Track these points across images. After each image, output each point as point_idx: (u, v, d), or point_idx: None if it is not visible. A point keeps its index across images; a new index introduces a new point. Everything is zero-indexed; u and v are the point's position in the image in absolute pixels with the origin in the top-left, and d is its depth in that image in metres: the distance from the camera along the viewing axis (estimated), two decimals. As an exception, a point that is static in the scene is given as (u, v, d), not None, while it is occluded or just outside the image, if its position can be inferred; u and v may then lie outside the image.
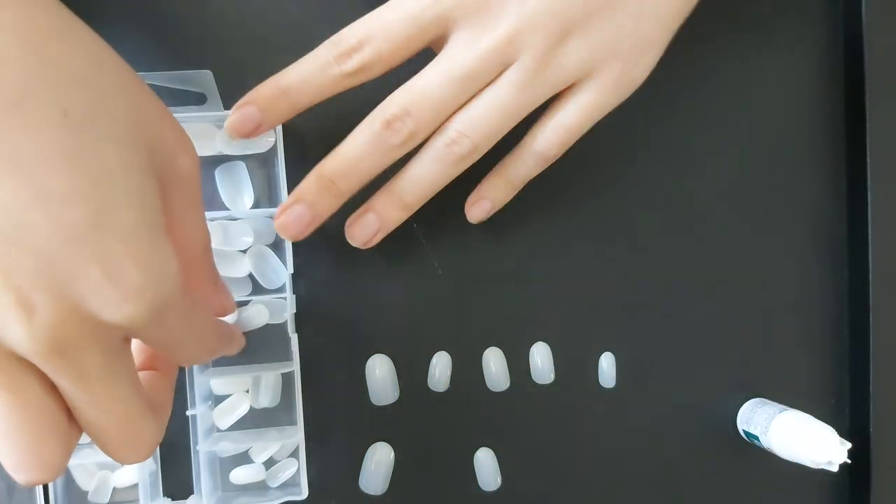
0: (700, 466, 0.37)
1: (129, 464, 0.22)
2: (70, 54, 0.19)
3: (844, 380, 0.37)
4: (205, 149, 0.32)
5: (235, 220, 0.33)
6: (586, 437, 0.36)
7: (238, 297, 0.33)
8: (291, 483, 0.34)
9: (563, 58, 0.28)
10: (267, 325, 0.34)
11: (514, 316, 0.35)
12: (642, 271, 0.36)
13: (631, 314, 0.36)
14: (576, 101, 0.29)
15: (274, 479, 0.34)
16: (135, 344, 0.25)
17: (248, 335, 0.33)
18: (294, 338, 0.33)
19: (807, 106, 0.37)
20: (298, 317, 0.34)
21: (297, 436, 0.33)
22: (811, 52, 0.37)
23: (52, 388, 0.19)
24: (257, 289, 0.34)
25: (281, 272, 0.33)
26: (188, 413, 0.32)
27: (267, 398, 0.34)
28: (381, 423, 0.35)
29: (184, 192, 0.22)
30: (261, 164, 0.34)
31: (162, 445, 0.33)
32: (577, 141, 0.31)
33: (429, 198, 0.31)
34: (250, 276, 0.34)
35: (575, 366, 0.36)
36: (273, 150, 0.33)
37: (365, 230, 0.31)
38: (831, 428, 0.32)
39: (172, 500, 0.33)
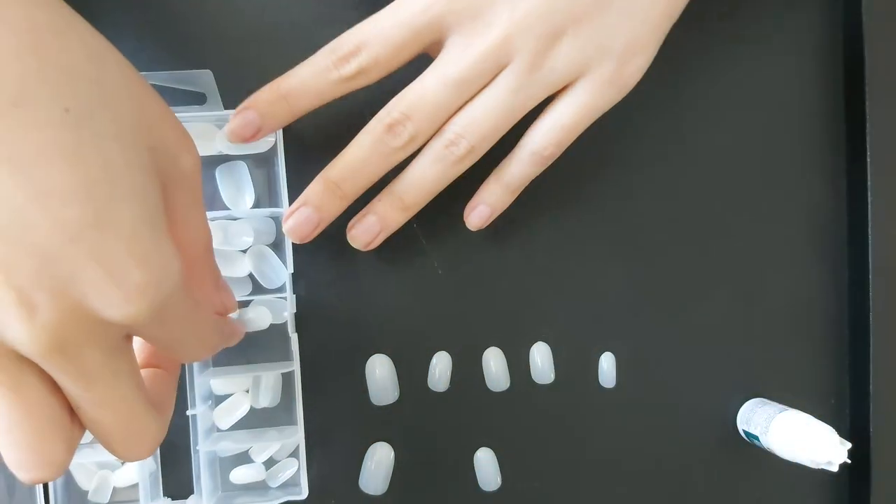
0: (700, 466, 0.37)
1: (132, 461, 0.22)
2: (70, 51, 0.19)
3: (844, 380, 0.37)
4: (205, 149, 0.32)
5: (236, 219, 0.33)
6: (586, 437, 0.36)
7: (238, 297, 0.33)
8: (291, 483, 0.34)
9: (555, 59, 0.29)
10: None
11: (514, 316, 0.35)
12: (642, 271, 0.36)
13: (631, 314, 0.36)
14: (570, 100, 0.30)
15: (274, 479, 0.34)
16: (137, 342, 0.25)
17: (249, 335, 0.33)
18: (294, 338, 0.33)
19: (807, 106, 0.37)
20: (298, 317, 0.34)
21: (297, 436, 0.33)
22: (811, 52, 0.37)
23: (55, 386, 0.19)
24: (257, 288, 0.34)
25: (281, 272, 0.33)
26: (188, 413, 0.32)
27: (267, 398, 0.34)
28: (381, 423, 0.35)
29: (185, 191, 0.22)
30: (261, 164, 0.34)
31: (162, 445, 0.33)
32: (577, 142, 0.31)
33: (429, 199, 0.31)
34: (250, 275, 0.34)
35: (575, 366, 0.36)
36: (273, 149, 0.33)
37: (367, 232, 0.31)
38: (831, 428, 0.32)
39: (172, 500, 0.33)
